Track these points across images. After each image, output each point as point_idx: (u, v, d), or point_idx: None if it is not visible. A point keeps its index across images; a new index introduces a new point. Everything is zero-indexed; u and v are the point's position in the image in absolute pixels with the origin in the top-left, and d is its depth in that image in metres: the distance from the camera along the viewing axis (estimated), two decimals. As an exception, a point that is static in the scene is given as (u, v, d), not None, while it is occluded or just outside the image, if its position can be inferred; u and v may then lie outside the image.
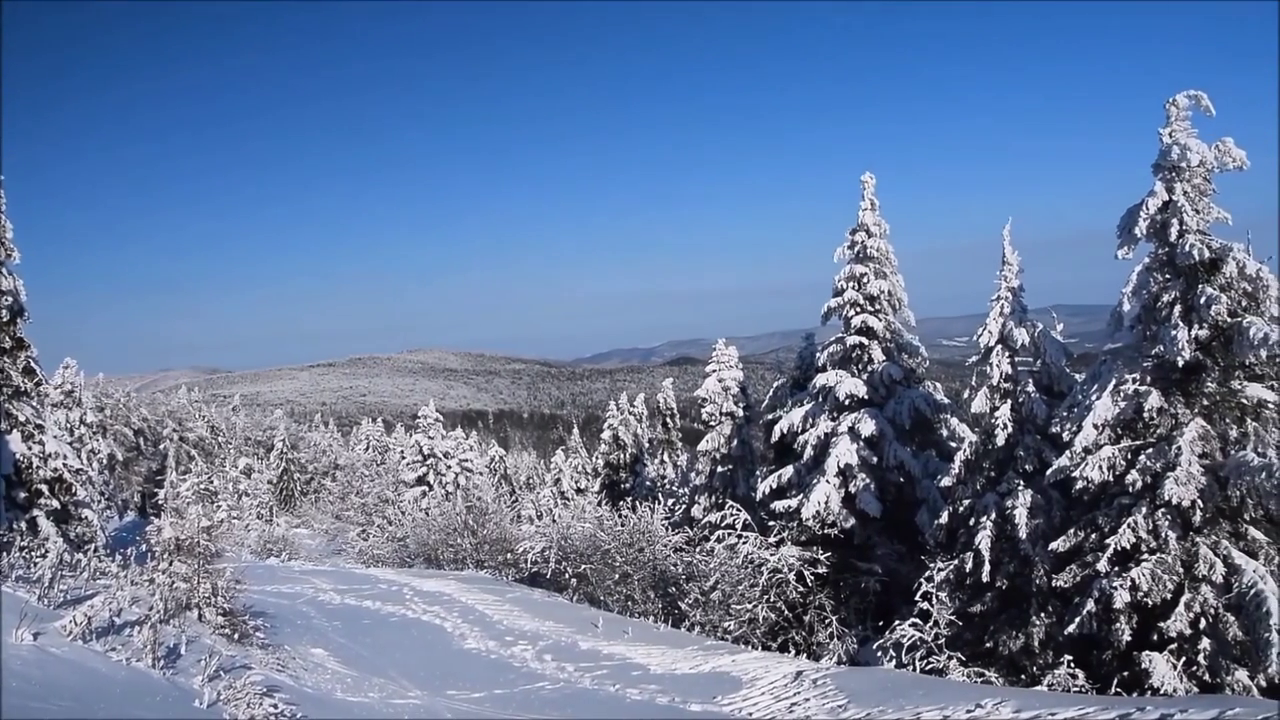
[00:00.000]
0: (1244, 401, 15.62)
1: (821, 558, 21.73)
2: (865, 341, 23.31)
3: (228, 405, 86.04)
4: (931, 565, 18.56)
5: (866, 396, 22.82)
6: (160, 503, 44.80)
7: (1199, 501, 15.10)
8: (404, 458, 50.34)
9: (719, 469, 29.31)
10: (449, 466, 46.63)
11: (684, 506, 29.90)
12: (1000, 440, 18.79)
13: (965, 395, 20.63)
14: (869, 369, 23.21)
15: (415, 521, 32.61)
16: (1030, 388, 19.04)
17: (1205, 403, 15.88)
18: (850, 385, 22.67)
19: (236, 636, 13.42)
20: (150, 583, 13.07)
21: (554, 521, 25.26)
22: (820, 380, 23.25)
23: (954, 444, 22.29)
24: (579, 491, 50.54)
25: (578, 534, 23.70)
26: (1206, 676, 14.94)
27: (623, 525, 23.19)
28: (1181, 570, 15.24)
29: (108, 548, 19.26)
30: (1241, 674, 14.78)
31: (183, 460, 61.26)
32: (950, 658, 16.98)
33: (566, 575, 23.25)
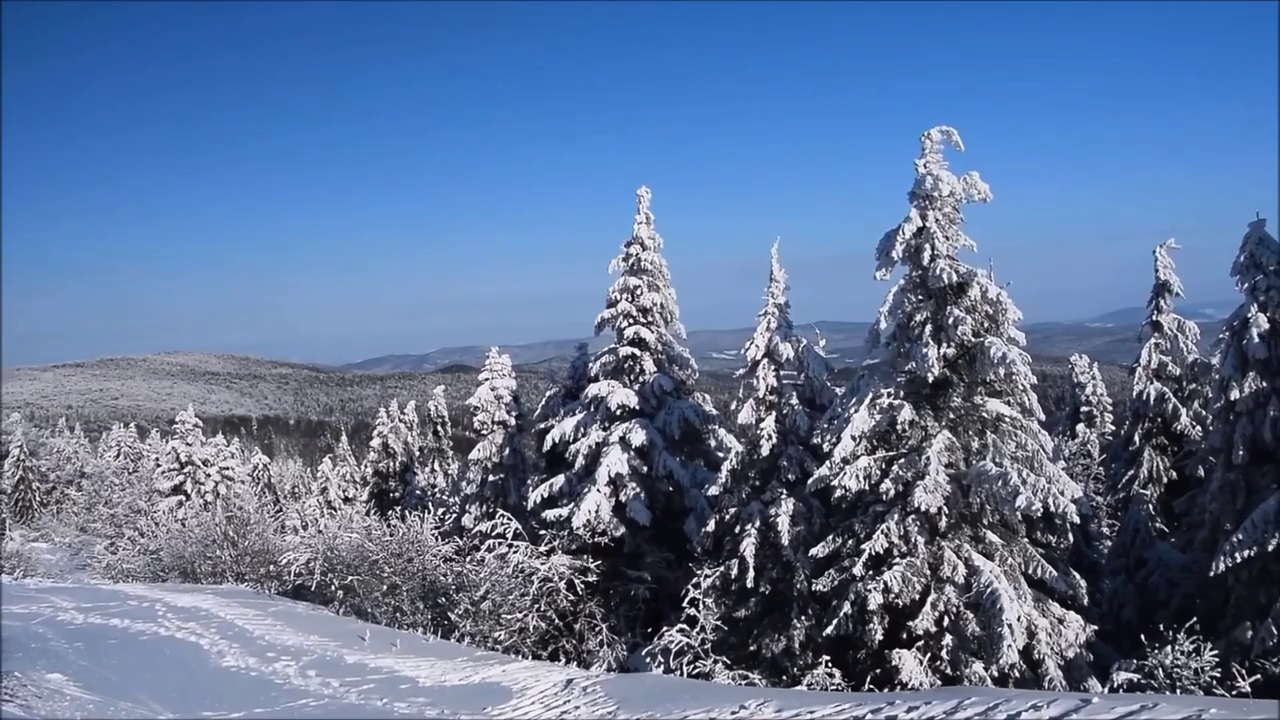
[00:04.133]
0: (985, 415, 16.85)
1: (592, 566, 21.92)
2: (637, 353, 23.68)
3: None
4: (699, 572, 19.04)
5: (638, 407, 23.19)
6: None
7: (944, 508, 16.14)
8: (159, 465, 47.66)
9: (490, 478, 29.12)
10: (208, 475, 44.46)
11: (455, 516, 29.54)
12: (765, 451, 19.46)
13: (733, 407, 21.23)
14: (641, 380, 23.59)
15: (170, 533, 30.91)
16: (794, 400, 19.80)
17: (951, 416, 17.02)
18: (622, 396, 22.99)
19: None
20: None
21: (320, 532, 24.47)
22: (593, 390, 23.47)
23: (721, 454, 22.85)
24: (347, 501, 49.24)
25: (345, 544, 23.05)
26: (949, 670, 15.99)
27: (392, 535, 22.72)
28: (929, 572, 16.24)
29: None
30: (978, 666, 15.89)
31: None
32: (716, 661, 17.48)
33: (333, 587, 22.58)
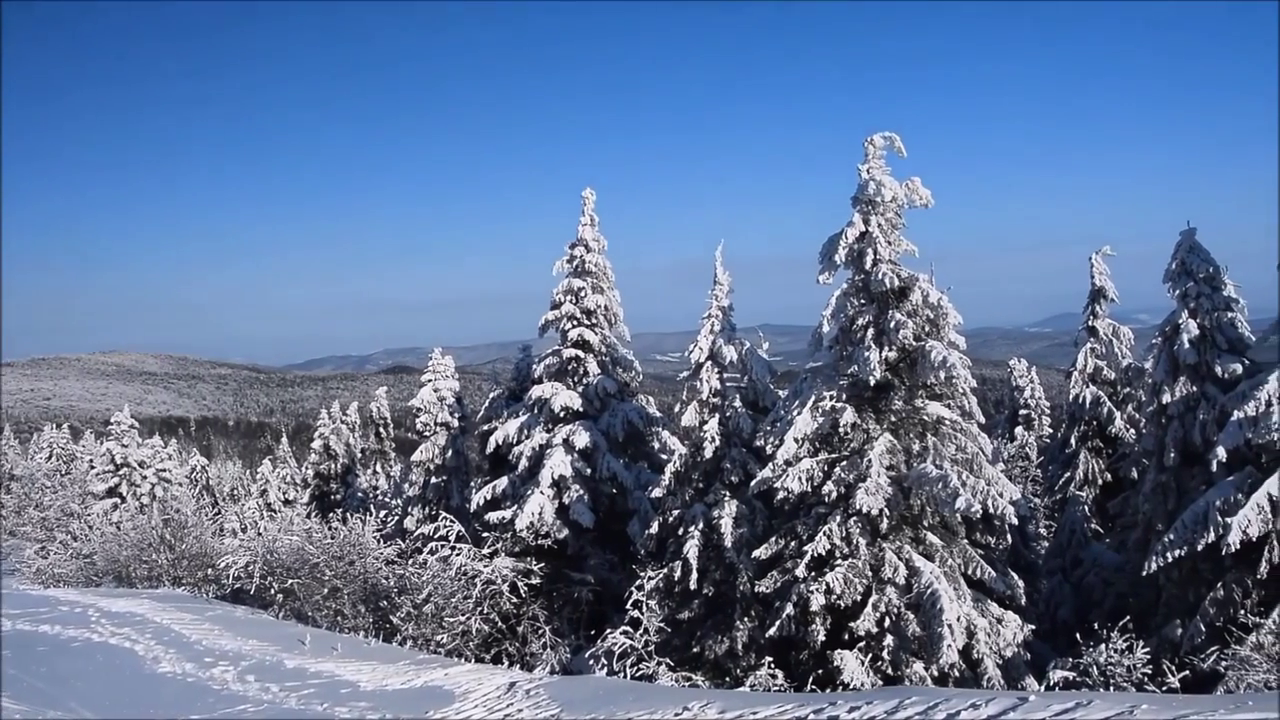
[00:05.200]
0: (925, 418, 17.07)
1: (535, 568, 21.88)
2: (581, 355, 23.69)
3: None
4: (642, 574, 19.05)
5: (581, 409, 23.20)
6: None
7: (886, 510, 16.31)
8: (93, 467, 46.80)
9: (433, 480, 28.97)
10: (144, 477, 43.74)
11: (397, 518, 29.31)
12: (708, 453, 19.55)
13: (676, 409, 21.28)
14: (584, 382, 23.60)
15: (105, 536, 30.31)
16: (737, 403, 19.92)
17: (893, 419, 17.21)
18: (566, 398, 22.99)
19: None
20: None
21: (260, 534, 24.16)
22: (536, 392, 23.44)
23: (665, 456, 22.93)
24: (287, 503, 48.58)
25: (285, 547, 22.78)
26: (889, 670, 16.17)
27: (333, 538, 22.48)
28: (870, 574, 16.41)
29: None
30: (919, 666, 16.08)
31: None
32: (660, 663, 17.50)
33: (272, 591, 22.30)
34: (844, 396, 17.31)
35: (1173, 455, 18.55)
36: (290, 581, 21.92)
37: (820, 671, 16.36)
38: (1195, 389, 18.34)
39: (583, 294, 23.83)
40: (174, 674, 15.89)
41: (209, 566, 26.11)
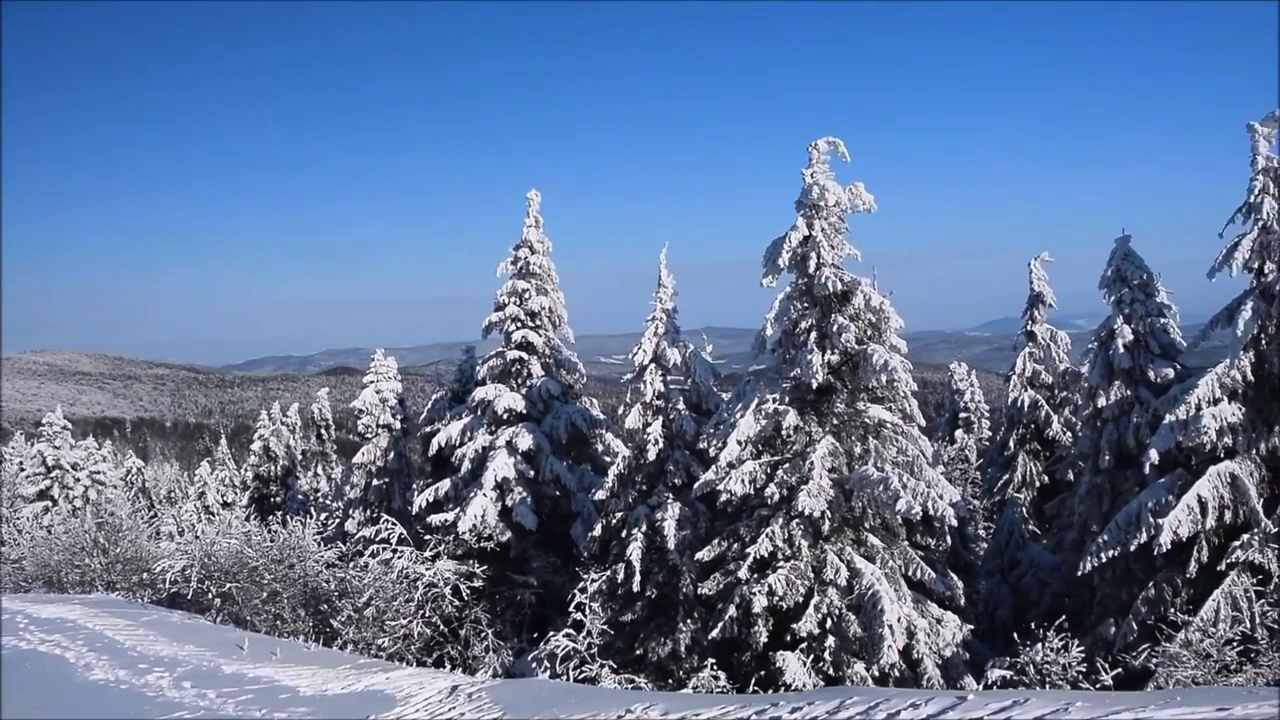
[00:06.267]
0: (867, 421, 17.25)
1: (478, 571, 21.78)
2: (525, 356, 23.61)
3: None
4: (585, 576, 19.05)
5: (525, 411, 23.12)
6: None
7: (828, 512, 16.45)
8: (23, 469, 45.76)
9: (375, 482, 28.70)
10: (77, 479, 42.98)
11: (338, 521, 29.00)
12: (652, 455, 19.58)
13: (620, 411, 21.31)
14: (528, 384, 23.53)
15: (35, 541, 29.75)
16: (681, 405, 19.97)
17: (835, 422, 17.37)
18: (509, 399, 22.90)
19: None
20: None
21: (197, 538, 23.77)
22: (479, 394, 23.32)
23: (609, 458, 22.91)
24: (226, 505, 47.82)
25: (223, 551, 22.44)
26: (831, 671, 16.30)
27: (273, 541, 22.18)
28: (812, 575, 16.53)
29: None
30: (860, 666, 16.23)
31: None
32: (603, 666, 17.50)
33: (210, 595, 21.97)
34: (787, 399, 17.42)
35: (1107, 458, 18.92)
36: (228, 585, 21.61)
37: (763, 673, 16.46)
38: (1129, 393, 18.72)
39: (527, 296, 23.75)
40: (107, 682, 15.57)
41: (144, 571, 25.70)
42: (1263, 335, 16.43)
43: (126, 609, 22.46)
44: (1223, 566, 15.77)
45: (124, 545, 27.75)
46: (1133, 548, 16.76)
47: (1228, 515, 16.00)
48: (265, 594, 21.40)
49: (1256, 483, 15.98)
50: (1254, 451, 16.17)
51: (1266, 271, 16.42)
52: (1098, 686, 14.32)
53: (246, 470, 49.94)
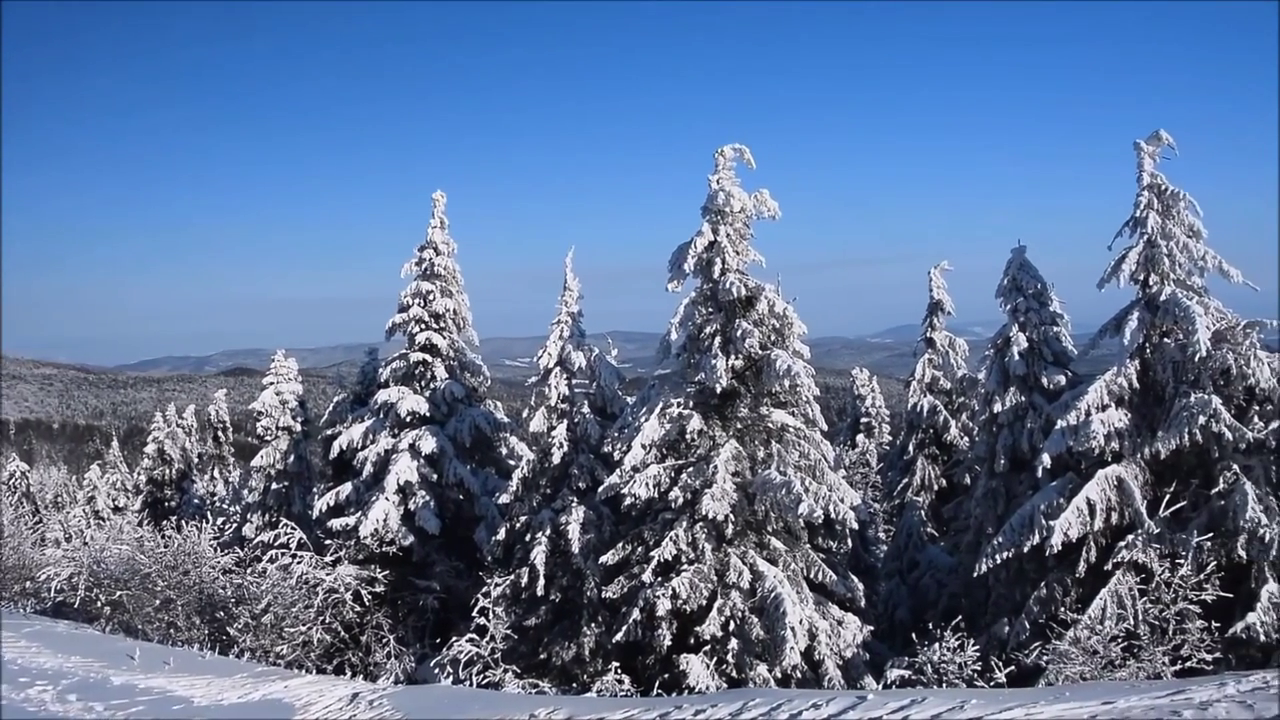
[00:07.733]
0: (770, 425, 17.44)
1: (380, 576, 21.49)
2: (429, 359, 23.40)
3: None
4: (489, 581, 18.92)
5: (428, 414, 22.90)
6: None
7: (731, 515, 16.59)
8: (-104, 474, 44.04)
9: (274, 485, 28.15)
10: (-43, 484, 41.39)
11: (236, 525, 28.35)
12: (556, 459, 19.55)
13: (525, 415, 21.21)
14: (432, 386, 23.31)
15: (-93, 549, 28.53)
16: (585, 409, 19.97)
17: (739, 426, 17.53)
18: (412, 402, 22.66)
19: None
20: None
21: (86, 544, 23.07)
22: (382, 396, 23.04)
23: (513, 462, 22.81)
24: (117, 510, 46.57)
25: (114, 557, 21.78)
26: (734, 673, 16.44)
27: (166, 546, 21.59)
28: (715, 578, 16.66)
29: None
30: (762, 668, 16.40)
31: None
32: (507, 671, 17.41)
33: (99, 604, 21.29)
34: (691, 404, 17.53)
35: (1003, 462, 19.41)
36: (119, 593, 20.98)
37: (666, 675, 16.52)
38: (1024, 399, 19.22)
39: (431, 297, 23.55)
40: (-15, 695, 14.99)
41: (27, 579, 24.78)
42: (1147, 344, 17.02)
43: (7, 619, 21.59)
44: (1109, 566, 16.26)
45: (5, 553, 26.71)
46: (1026, 549, 17.18)
47: (1114, 517, 16.51)
48: (158, 601, 20.83)
49: (1141, 485, 16.51)
50: (1139, 455, 16.71)
51: (1151, 283, 17.01)
52: (992, 684, 14.65)
53: (140, 474, 48.52)
